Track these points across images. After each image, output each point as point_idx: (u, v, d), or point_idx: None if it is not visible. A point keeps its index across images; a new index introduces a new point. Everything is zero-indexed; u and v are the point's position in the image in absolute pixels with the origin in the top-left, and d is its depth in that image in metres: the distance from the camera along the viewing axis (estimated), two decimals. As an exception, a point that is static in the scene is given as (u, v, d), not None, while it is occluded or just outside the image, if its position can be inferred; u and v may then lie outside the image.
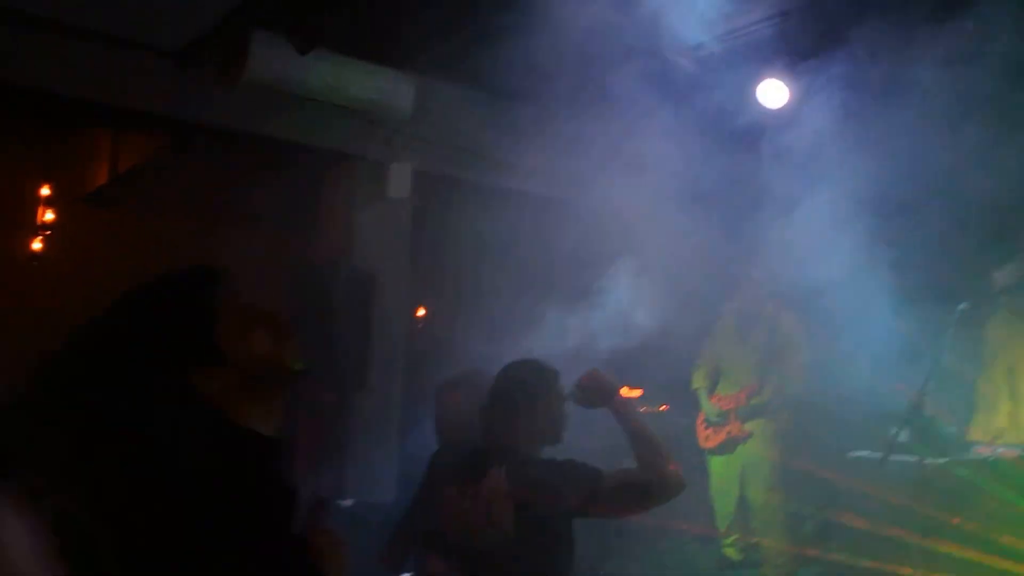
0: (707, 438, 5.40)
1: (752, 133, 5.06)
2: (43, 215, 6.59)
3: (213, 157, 5.35)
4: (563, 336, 4.36)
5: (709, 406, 5.41)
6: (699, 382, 5.55)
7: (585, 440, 3.11)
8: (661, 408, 6.19)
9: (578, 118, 5.02)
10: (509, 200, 5.96)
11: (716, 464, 5.39)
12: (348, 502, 5.17)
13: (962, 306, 4.03)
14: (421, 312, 8.09)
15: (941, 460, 3.95)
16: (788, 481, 5.06)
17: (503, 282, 5.55)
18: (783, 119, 5.12)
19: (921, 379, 3.82)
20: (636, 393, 6.79)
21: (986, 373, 4.52)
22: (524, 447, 2.87)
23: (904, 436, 3.80)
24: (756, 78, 5.47)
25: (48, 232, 6.56)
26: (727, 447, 5.30)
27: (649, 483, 2.78)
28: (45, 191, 6.51)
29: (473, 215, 5.77)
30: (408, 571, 3.41)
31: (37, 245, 6.67)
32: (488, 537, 2.73)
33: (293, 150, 5.47)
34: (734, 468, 5.27)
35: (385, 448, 5.45)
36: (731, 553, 5.35)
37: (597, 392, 2.94)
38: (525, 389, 2.91)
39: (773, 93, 5.57)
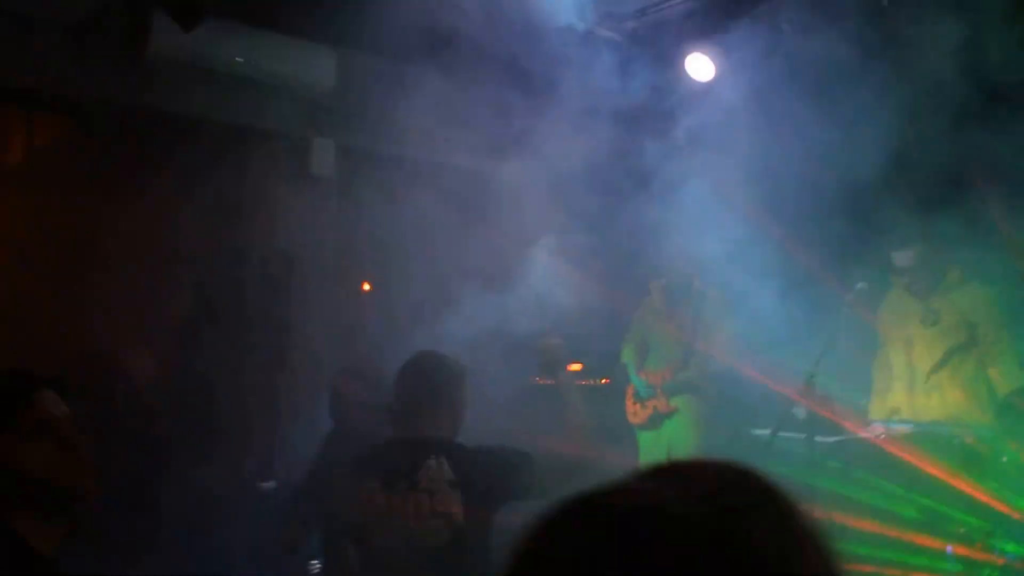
0: (634, 413, 5.40)
1: (671, 108, 5.02)
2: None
3: (124, 136, 5.16)
4: (488, 314, 4.35)
5: (637, 380, 5.40)
6: (628, 356, 5.54)
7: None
8: (603, 381, 6.19)
9: (503, 90, 4.95)
10: (438, 174, 5.87)
11: (644, 439, 5.39)
12: (271, 483, 5.10)
13: (859, 286, 4.03)
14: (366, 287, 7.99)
15: (832, 439, 3.97)
16: (713, 451, 5.10)
17: (430, 259, 5.48)
18: (701, 95, 5.10)
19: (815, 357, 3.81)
20: (576, 366, 6.79)
21: (882, 352, 4.56)
22: (454, 436, 2.87)
23: (800, 413, 3.82)
24: (683, 52, 5.45)
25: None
26: (654, 422, 5.31)
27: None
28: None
29: (399, 191, 5.67)
30: (305, 552, 3.37)
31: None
32: (433, 531, 2.71)
33: (211, 128, 5.30)
34: (661, 443, 5.28)
35: (310, 430, 5.37)
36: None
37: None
38: (451, 379, 2.92)
39: (700, 67, 5.55)
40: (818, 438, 3.86)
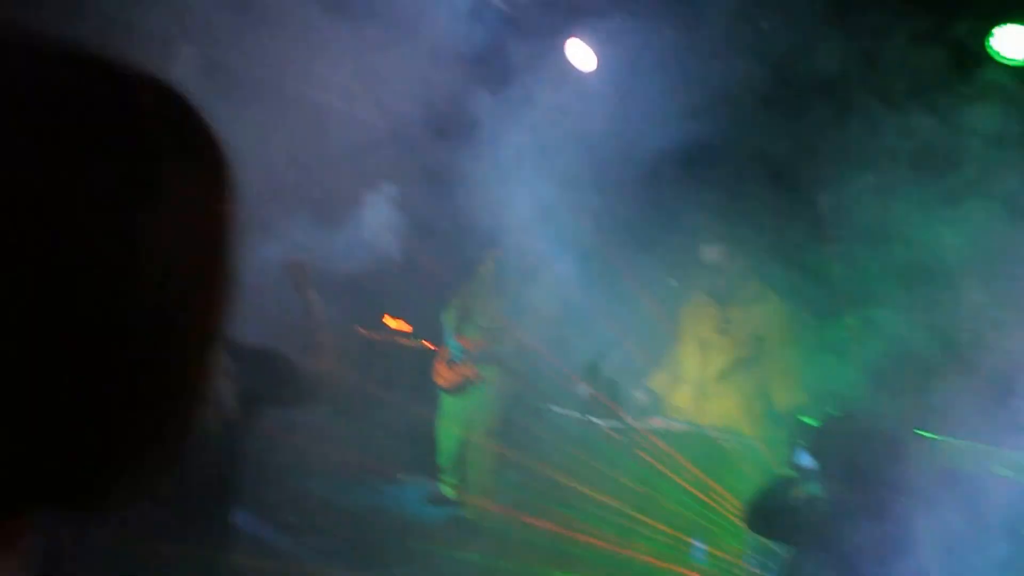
0: (442, 375, 5.47)
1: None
2: None
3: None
4: (309, 247, 4.31)
5: (452, 343, 5.47)
6: (448, 318, 5.61)
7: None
8: (423, 343, 6.29)
9: (367, 29, 4.89)
10: (293, 105, 5.76)
11: (447, 403, 5.48)
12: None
13: (672, 282, 4.23)
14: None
15: (610, 422, 4.16)
16: (509, 430, 5.22)
17: (267, 189, 5.37)
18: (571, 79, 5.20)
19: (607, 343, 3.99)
20: (406, 328, 6.84)
21: (677, 348, 4.80)
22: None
23: (583, 394, 3.98)
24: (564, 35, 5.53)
25: None
26: (459, 388, 5.40)
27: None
28: None
29: (254, 115, 5.53)
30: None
31: None
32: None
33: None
34: (463, 410, 5.37)
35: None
36: (446, 490, 5.48)
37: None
38: None
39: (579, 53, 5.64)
40: (595, 419, 4.03)
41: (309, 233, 4.37)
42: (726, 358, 4.56)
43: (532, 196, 4.57)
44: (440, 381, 5.48)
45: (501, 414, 5.27)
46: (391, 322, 6.84)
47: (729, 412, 4.52)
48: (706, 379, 4.59)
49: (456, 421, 5.41)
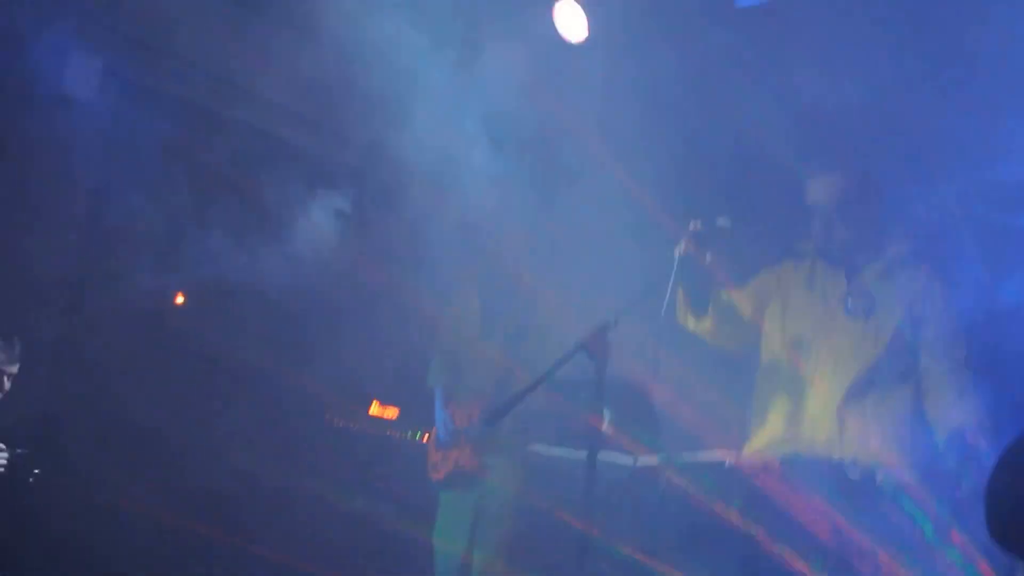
0: (435, 467, 3.85)
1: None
2: None
3: None
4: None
5: (443, 416, 3.84)
6: (435, 376, 3.94)
7: None
8: (422, 439, 4.52)
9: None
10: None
11: (445, 507, 3.85)
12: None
13: (720, 221, 2.61)
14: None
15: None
16: (530, 539, 3.57)
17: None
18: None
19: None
20: (391, 413, 5.13)
21: (769, 355, 2.99)
22: None
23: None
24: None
25: None
26: (456, 480, 3.76)
27: None
28: None
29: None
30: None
31: None
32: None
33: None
34: (462, 515, 3.75)
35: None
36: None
37: None
38: None
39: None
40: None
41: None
42: (860, 359, 2.81)
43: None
44: (433, 475, 3.86)
45: (510, 524, 3.67)
46: (376, 409, 5.18)
47: (872, 447, 2.77)
48: (813, 397, 2.86)
49: (453, 536, 3.77)
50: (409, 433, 4.71)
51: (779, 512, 2.46)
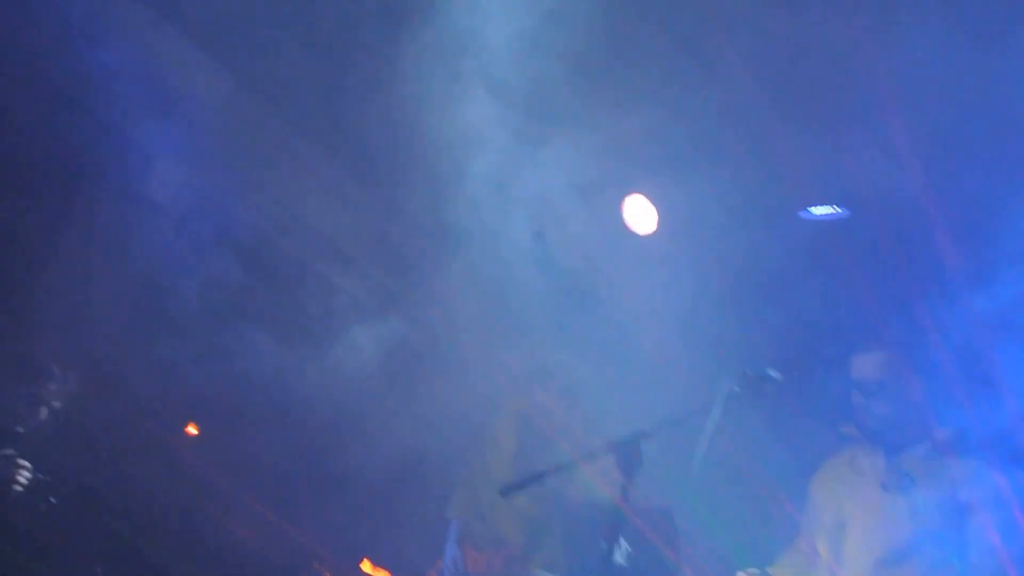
0: None
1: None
2: None
3: None
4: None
5: (454, 553, 3.55)
6: (456, 509, 3.71)
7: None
8: None
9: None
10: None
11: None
12: None
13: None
14: None
15: None
16: None
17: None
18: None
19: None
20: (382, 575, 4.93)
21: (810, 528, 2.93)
22: None
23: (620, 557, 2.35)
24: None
25: None
26: None
27: None
28: None
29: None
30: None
31: None
32: None
33: None
34: None
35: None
36: None
37: None
38: None
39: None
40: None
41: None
42: (899, 533, 2.73)
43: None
44: None
45: None
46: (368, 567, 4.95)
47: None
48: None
49: None
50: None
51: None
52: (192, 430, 5.07)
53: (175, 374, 4.17)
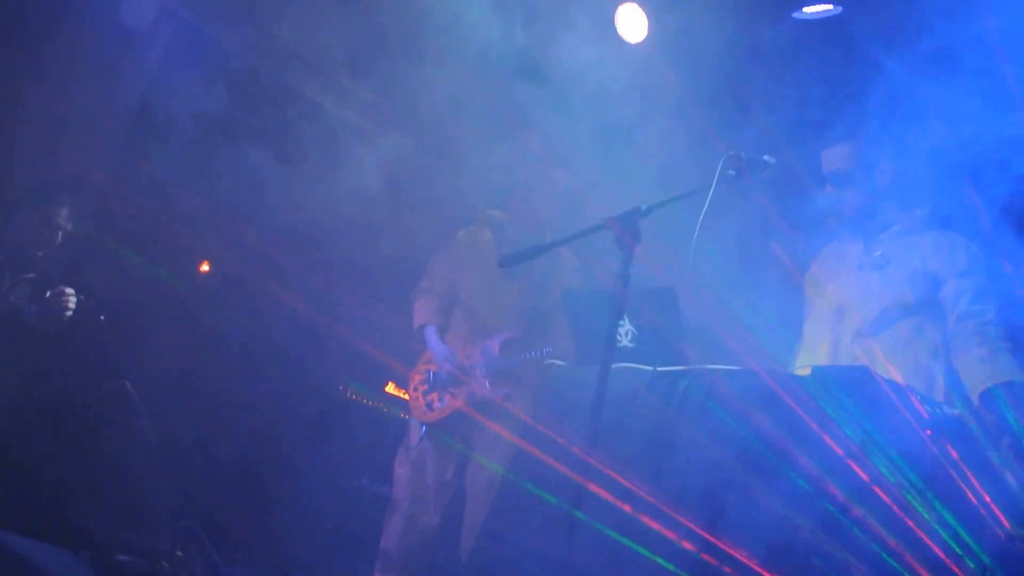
0: (430, 407, 3.74)
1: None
2: None
3: None
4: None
5: (444, 351, 3.74)
6: (426, 314, 3.86)
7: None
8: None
9: None
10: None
11: (434, 445, 3.76)
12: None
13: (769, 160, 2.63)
14: None
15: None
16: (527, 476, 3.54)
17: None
18: None
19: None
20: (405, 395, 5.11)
21: (812, 312, 3.11)
22: None
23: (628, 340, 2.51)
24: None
25: None
26: (451, 424, 3.70)
27: None
28: None
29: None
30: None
31: None
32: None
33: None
34: (451, 452, 3.72)
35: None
36: None
37: None
38: None
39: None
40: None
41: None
42: (875, 306, 2.90)
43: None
44: (427, 416, 3.74)
45: (518, 456, 3.64)
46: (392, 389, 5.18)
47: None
48: (842, 338, 2.94)
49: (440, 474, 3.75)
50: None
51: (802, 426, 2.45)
52: (205, 267, 5.22)
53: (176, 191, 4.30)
